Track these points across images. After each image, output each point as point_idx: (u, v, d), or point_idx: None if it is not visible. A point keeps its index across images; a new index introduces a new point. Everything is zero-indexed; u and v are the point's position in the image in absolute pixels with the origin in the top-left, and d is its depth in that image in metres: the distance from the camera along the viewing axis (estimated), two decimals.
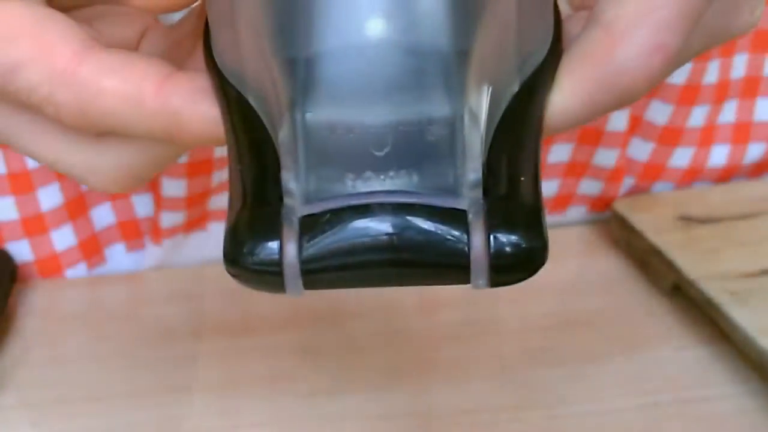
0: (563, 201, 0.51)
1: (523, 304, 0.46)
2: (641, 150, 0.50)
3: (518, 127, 0.23)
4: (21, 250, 0.47)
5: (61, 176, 0.46)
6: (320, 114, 0.21)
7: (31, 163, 0.45)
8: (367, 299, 0.46)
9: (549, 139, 0.49)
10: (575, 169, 0.50)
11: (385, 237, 0.21)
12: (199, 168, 0.46)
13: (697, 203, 0.49)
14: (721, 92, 0.49)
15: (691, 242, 0.46)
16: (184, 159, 0.45)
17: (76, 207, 0.47)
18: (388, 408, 0.39)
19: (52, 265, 0.48)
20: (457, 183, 0.21)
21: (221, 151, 0.46)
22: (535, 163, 0.23)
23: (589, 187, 0.51)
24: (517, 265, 0.21)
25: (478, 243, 0.21)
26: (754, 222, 0.48)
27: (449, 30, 0.21)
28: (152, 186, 0.47)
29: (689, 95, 0.48)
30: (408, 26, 0.21)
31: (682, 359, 0.42)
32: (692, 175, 0.51)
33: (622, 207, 0.49)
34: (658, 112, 0.49)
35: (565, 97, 0.24)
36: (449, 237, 0.21)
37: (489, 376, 0.41)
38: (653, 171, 0.51)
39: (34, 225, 0.46)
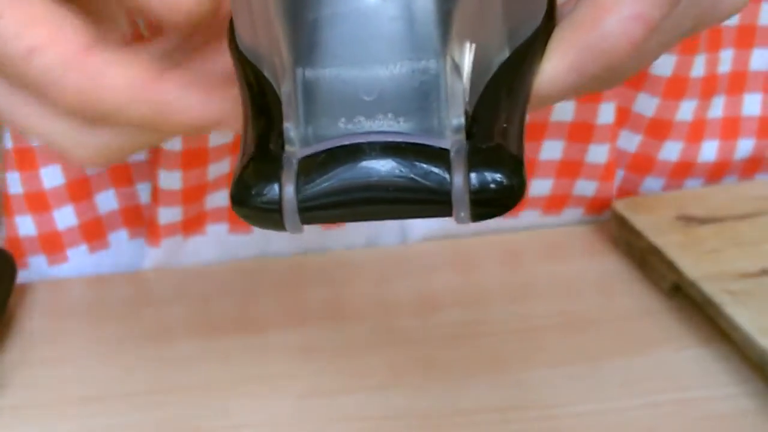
0: (559, 202, 0.51)
1: (523, 304, 0.46)
2: (630, 142, 0.51)
3: (506, 87, 0.25)
4: (26, 224, 0.48)
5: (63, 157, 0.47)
6: (318, 69, 0.24)
7: (35, 141, 0.46)
8: (367, 299, 0.46)
9: (540, 136, 0.49)
10: (569, 169, 0.50)
11: (373, 175, 0.23)
12: (194, 158, 0.46)
13: (697, 203, 0.49)
14: (709, 87, 0.50)
15: (691, 242, 0.46)
16: (178, 148, 0.46)
17: (78, 190, 0.48)
18: (388, 408, 0.39)
19: (54, 243, 0.48)
20: (441, 127, 0.23)
21: (216, 141, 0.46)
22: (520, 121, 0.25)
23: (584, 187, 0.51)
24: (495, 200, 0.23)
25: (459, 179, 0.23)
26: (755, 222, 0.48)
27: None
28: (151, 178, 0.47)
29: (676, 88, 0.49)
30: None
31: (682, 359, 0.42)
32: (684, 171, 0.52)
33: (621, 207, 0.49)
34: (646, 105, 0.49)
35: (554, 64, 0.26)
36: (433, 173, 0.23)
37: (489, 376, 0.41)
38: (643, 163, 0.51)
39: (37, 201, 0.47)
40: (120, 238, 0.50)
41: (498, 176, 0.23)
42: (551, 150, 0.50)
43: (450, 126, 0.23)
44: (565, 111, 0.48)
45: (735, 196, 0.50)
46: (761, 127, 0.52)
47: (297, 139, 0.24)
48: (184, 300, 0.47)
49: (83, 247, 0.49)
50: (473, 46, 0.24)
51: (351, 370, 0.41)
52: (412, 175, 0.23)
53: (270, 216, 0.24)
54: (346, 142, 0.23)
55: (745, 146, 0.52)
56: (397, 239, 0.52)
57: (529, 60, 0.26)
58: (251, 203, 0.24)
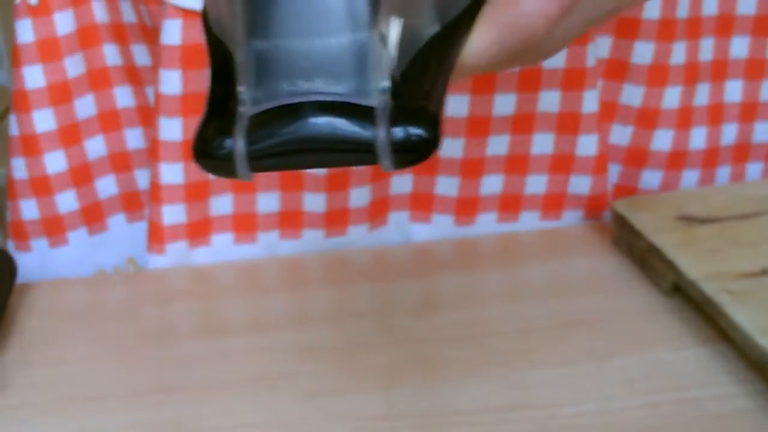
0: (556, 202, 0.52)
1: (523, 304, 0.46)
2: (622, 135, 0.51)
3: (433, 56, 0.29)
4: (29, 208, 0.49)
5: (67, 144, 0.49)
6: (266, 40, 0.27)
7: (39, 128, 0.48)
8: (369, 300, 0.46)
9: (529, 129, 0.49)
10: (561, 163, 0.50)
11: (310, 129, 0.27)
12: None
13: (696, 203, 0.49)
14: (692, 74, 0.50)
15: (690, 242, 0.46)
16: (179, 138, 0.46)
17: (80, 175, 0.50)
18: (388, 408, 0.39)
19: (55, 226, 0.50)
20: (369, 89, 0.27)
21: None
22: (443, 86, 0.29)
23: (578, 184, 0.51)
24: (413, 150, 0.27)
25: (383, 132, 0.27)
26: (754, 222, 0.48)
27: None
28: (150, 176, 0.48)
29: (659, 76, 0.50)
30: None
31: (682, 359, 0.42)
32: (678, 161, 0.52)
33: (622, 207, 0.49)
34: (632, 95, 0.50)
35: (478, 38, 0.29)
36: (361, 127, 0.27)
37: (489, 376, 0.41)
38: (637, 155, 0.52)
39: (40, 186, 0.49)
40: (118, 222, 0.52)
41: (416, 130, 0.27)
42: (542, 144, 0.50)
43: (377, 88, 0.27)
44: (551, 102, 0.49)
45: (734, 196, 0.50)
46: (743, 112, 0.53)
47: (248, 99, 0.27)
48: (185, 300, 0.47)
49: (83, 230, 0.51)
50: (401, 21, 0.28)
51: (352, 370, 0.41)
52: (343, 129, 0.27)
53: (225, 165, 0.27)
54: (288, 102, 0.27)
55: (729, 132, 0.53)
56: (401, 241, 0.52)
57: (456, 34, 0.30)
58: (209, 154, 0.27)
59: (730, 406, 0.39)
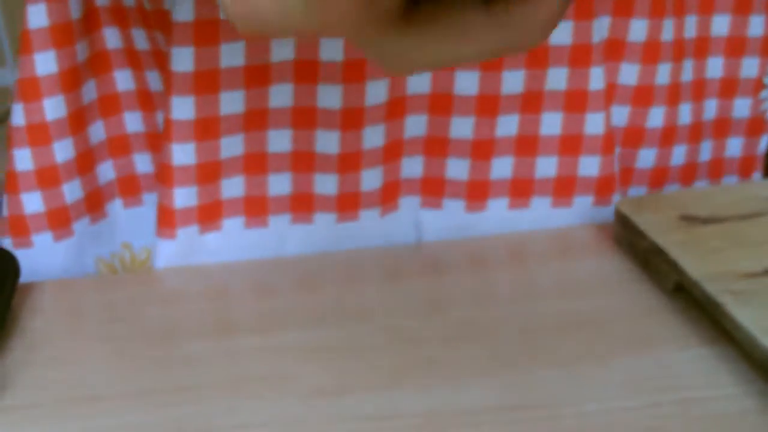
0: (567, 186, 0.51)
1: (524, 304, 0.46)
2: (620, 115, 0.52)
3: None
4: (33, 201, 0.49)
5: (75, 131, 0.48)
6: None
7: (49, 116, 0.47)
8: (374, 300, 0.46)
9: (537, 108, 0.50)
10: (571, 144, 0.51)
11: None
12: (206, 128, 0.46)
13: (699, 203, 0.49)
14: (679, 51, 0.51)
15: (693, 242, 0.46)
16: (192, 117, 0.46)
17: (85, 162, 0.49)
18: (389, 408, 0.39)
19: (61, 218, 0.49)
20: None
21: (228, 109, 0.46)
22: None
23: (588, 165, 0.51)
24: None
25: None
26: (757, 222, 0.48)
27: None
28: (163, 157, 0.48)
29: (652, 53, 0.50)
30: None
31: (685, 359, 0.42)
32: (670, 137, 0.53)
33: (625, 207, 0.49)
34: (629, 74, 0.51)
35: None
36: None
37: (489, 376, 0.41)
38: (635, 135, 0.52)
39: (48, 176, 0.48)
40: (115, 207, 0.52)
41: None
42: (551, 124, 0.50)
43: None
44: (558, 79, 0.49)
45: (737, 196, 0.50)
46: (722, 88, 0.54)
47: None
48: (188, 300, 0.47)
49: (85, 220, 0.50)
50: None
51: (356, 370, 0.41)
52: None
53: None
54: None
55: (710, 107, 0.54)
56: (411, 238, 0.52)
57: None
58: None
59: (733, 406, 0.39)
